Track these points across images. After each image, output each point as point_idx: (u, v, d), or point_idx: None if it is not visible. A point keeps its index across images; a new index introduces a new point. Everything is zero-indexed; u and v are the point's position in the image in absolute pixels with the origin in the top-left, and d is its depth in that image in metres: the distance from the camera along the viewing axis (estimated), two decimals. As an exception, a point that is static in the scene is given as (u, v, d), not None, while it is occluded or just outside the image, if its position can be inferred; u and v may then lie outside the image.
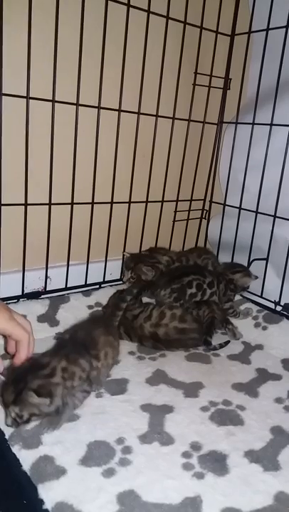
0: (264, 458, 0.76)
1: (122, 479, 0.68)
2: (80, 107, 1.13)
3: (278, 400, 0.93)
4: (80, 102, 1.13)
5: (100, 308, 1.23)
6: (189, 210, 1.52)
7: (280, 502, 0.67)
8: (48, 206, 1.15)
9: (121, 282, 1.37)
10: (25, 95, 1.04)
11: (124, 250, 1.37)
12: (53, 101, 1.08)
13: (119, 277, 1.39)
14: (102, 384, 0.91)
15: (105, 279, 1.35)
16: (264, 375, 1.02)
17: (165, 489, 0.67)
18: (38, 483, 0.66)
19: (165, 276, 1.24)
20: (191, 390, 0.94)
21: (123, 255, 1.37)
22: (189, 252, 1.43)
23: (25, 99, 1.04)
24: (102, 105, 1.16)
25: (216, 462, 0.74)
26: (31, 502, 0.64)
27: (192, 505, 0.65)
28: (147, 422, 0.82)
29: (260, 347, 1.15)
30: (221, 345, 1.12)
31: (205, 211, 1.57)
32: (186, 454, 0.75)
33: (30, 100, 1.05)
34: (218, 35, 1.37)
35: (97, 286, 1.32)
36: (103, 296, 1.25)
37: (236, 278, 1.26)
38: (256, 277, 1.29)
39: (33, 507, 0.64)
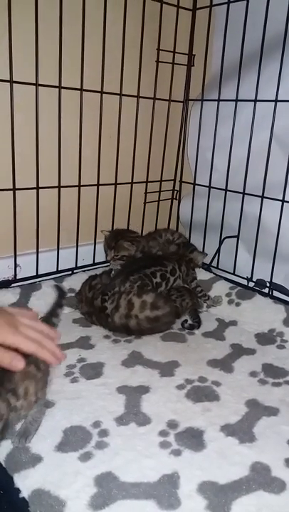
0: (240, 431, 0.77)
1: (99, 462, 0.68)
2: (39, 87, 1.09)
3: (253, 374, 0.94)
4: (41, 82, 1.09)
5: (72, 295, 1.21)
6: (160, 191, 1.51)
7: (256, 472, 0.68)
8: (12, 192, 1.12)
9: (94, 267, 1.35)
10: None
11: (95, 235, 1.34)
12: (11, 81, 1.04)
13: (92, 262, 1.37)
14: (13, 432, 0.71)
15: (77, 265, 1.33)
16: (238, 350, 1.03)
17: (142, 468, 0.68)
18: (14, 472, 0.66)
19: (120, 274, 1.17)
20: (167, 369, 0.94)
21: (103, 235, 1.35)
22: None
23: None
24: (63, 85, 1.13)
25: (193, 438, 0.74)
26: (7, 492, 0.64)
27: (170, 482, 0.65)
28: (123, 403, 0.82)
29: (234, 323, 1.16)
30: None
31: (175, 191, 1.55)
32: (162, 433, 0.75)
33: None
34: (180, 9, 1.34)
35: (70, 272, 1.30)
36: (76, 282, 1.23)
37: (194, 256, 1.30)
38: (206, 254, 1.36)
39: (9, 497, 0.63)
